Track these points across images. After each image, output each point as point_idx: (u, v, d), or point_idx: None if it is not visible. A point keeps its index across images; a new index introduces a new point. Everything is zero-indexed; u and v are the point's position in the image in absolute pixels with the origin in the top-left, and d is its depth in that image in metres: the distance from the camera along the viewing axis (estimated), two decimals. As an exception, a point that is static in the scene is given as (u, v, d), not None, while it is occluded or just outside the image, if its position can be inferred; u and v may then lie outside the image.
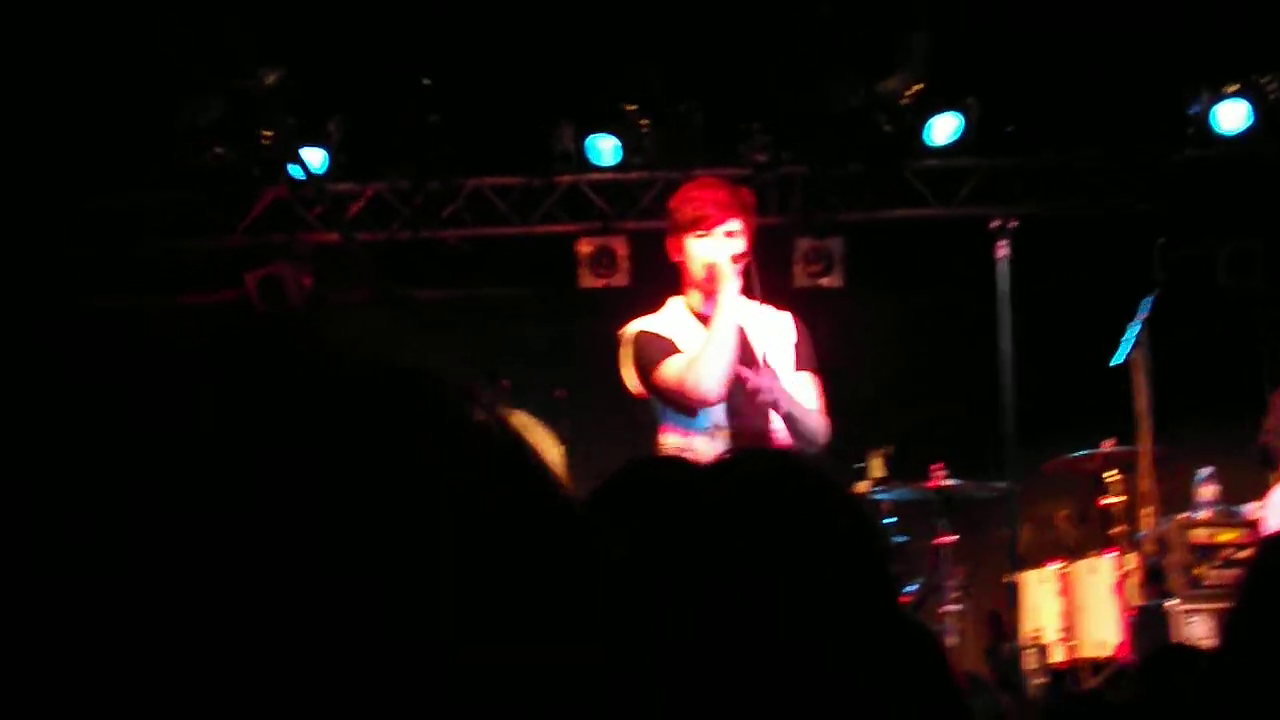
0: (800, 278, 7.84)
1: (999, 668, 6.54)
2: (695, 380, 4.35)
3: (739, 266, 4.45)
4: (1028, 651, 6.57)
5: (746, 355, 4.54)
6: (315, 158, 7.75)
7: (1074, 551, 7.04)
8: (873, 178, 7.95)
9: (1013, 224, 4.94)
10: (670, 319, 4.58)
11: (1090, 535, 7.07)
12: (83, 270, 7.84)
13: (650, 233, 7.36)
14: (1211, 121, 7.57)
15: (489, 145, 7.94)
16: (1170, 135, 7.74)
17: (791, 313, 4.73)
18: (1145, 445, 5.84)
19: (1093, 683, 6.25)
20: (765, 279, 4.64)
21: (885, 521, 6.66)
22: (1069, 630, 6.67)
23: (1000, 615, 6.86)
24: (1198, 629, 5.74)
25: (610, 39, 7.39)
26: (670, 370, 4.41)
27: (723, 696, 0.93)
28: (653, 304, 4.68)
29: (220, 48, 7.14)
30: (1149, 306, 5.84)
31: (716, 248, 4.45)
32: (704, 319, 4.48)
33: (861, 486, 6.76)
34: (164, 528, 0.49)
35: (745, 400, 4.46)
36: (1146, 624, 5.90)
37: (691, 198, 4.54)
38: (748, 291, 4.57)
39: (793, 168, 7.92)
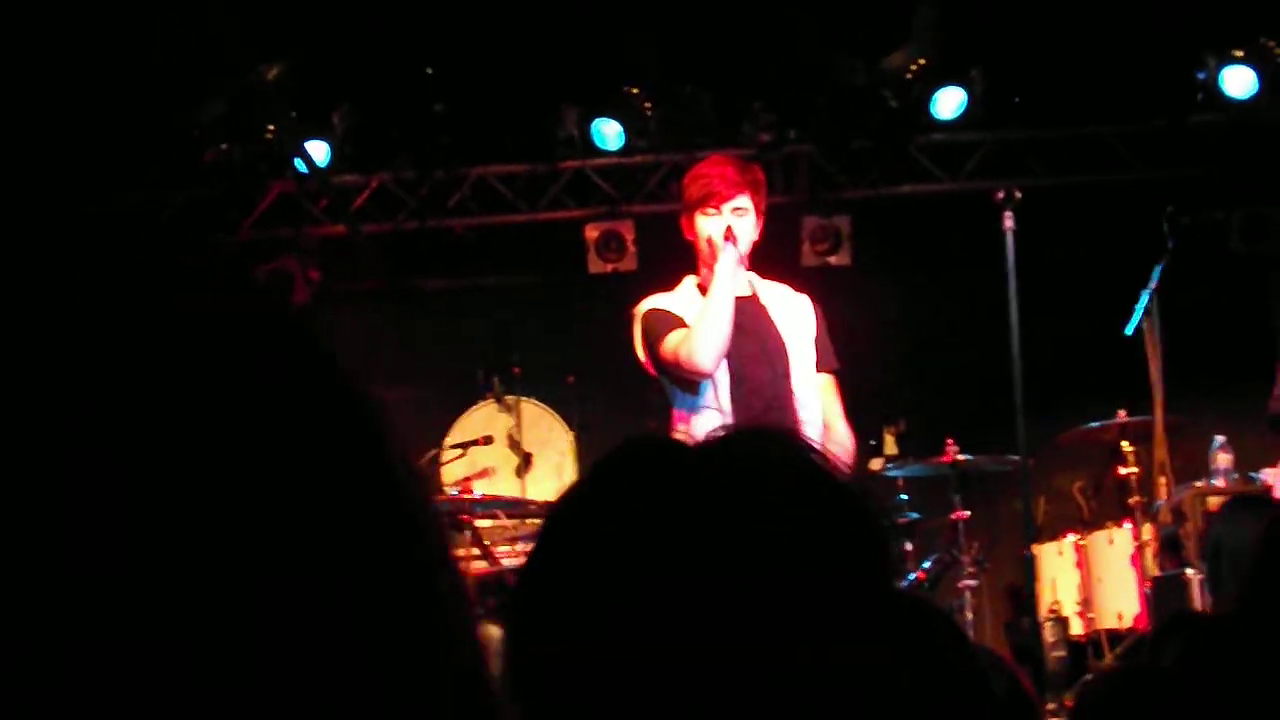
0: (808, 257, 7.82)
1: (1018, 642, 6.52)
2: (689, 351, 4.35)
3: (747, 243, 4.44)
4: (1047, 625, 6.56)
5: (768, 334, 4.51)
6: (319, 151, 7.74)
7: (1090, 523, 7.02)
8: (879, 154, 7.91)
9: (1018, 196, 4.91)
10: (681, 297, 4.58)
11: (1106, 506, 7.05)
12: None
13: (657, 216, 7.35)
14: (1220, 86, 7.51)
15: (493, 133, 7.92)
16: (1178, 102, 7.69)
17: (809, 296, 4.71)
18: (1159, 415, 5.81)
19: (1111, 655, 6.23)
20: (773, 258, 4.63)
21: (900, 498, 6.65)
22: (1087, 602, 6.66)
23: (1019, 589, 6.84)
24: (1216, 597, 5.72)
25: (611, 21, 7.36)
26: (671, 343, 4.42)
27: (708, 688, 0.92)
28: (661, 287, 4.68)
29: (221, 44, 7.13)
30: (1159, 275, 5.82)
31: (724, 224, 4.44)
32: (713, 295, 4.46)
33: (875, 464, 6.75)
34: None
35: (756, 387, 4.44)
36: (1165, 594, 5.88)
37: (701, 175, 4.54)
38: (755, 269, 4.56)
39: (798, 146, 7.89)
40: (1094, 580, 6.65)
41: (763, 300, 4.60)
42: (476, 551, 6.02)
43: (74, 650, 0.50)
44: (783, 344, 4.51)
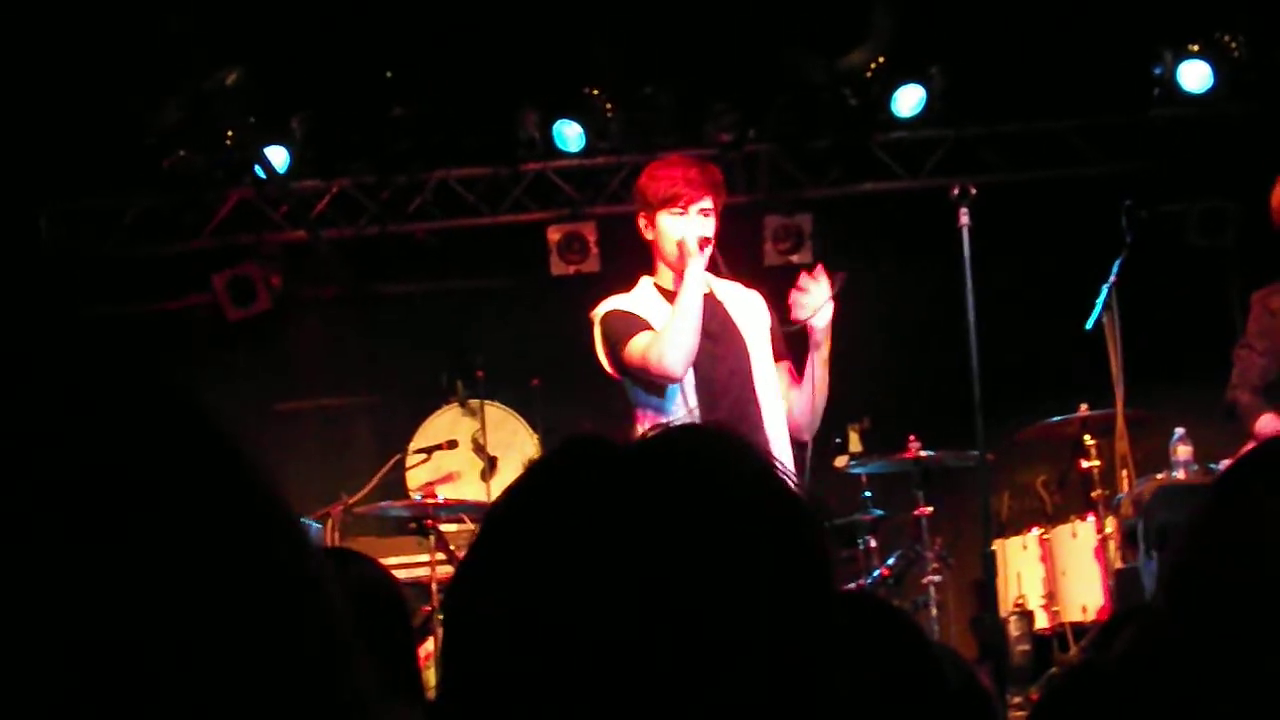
0: (771, 256, 7.82)
1: (984, 637, 6.55)
2: (659, 355, 4.34)
3: (709, 246, 4.45)
4: (1012, 619, 6.59)
5: (727, 333, 4.52)
6: (279, 156, 7.71)
7: (1054, 517, 7.06)
8: (840, 152, 7.93)
9: (973, 192, 4.91)
10: (640, 298, 4.56)
11: (1070, 500, 7.09)
12: (46, 279, 7.78)
13: (619, 217, 7.33)
14: (1177, 81, 7.56)
15: (454, 136, 7.89)
16: (1136, 97, 7.74)
17: (760, 292, 4.72)
18: (1120, 408, 5.85)
19: (1076, 648, 6.26)
20: (735, 258, 4.63)
21: (864, 495, 6.67)
22: (1052, 595, 6.69)
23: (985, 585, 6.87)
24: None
25: (570, 23, 7.36)
26: (637, 346, 4.40)
27: (652, 695, 0.92)
28: (624, 288, 4.66)
29: (179, 49, 7.09)
30: (1118, 269, 5.85)
31: (691, 225, 4.44)
32: (674, 297, 4.46)
33: (840, 461, 6.77)
34: None
35: (721, 387, 4.45)
36: (1128, 586, 5.91)
37: (663, 175, 4.52)
38: (714, 269, 4.55)
39: (759, 145, 7.90)
40: (1058, 573, 6.69)
41: (719, 298, 4.60)
42: (442, 557, 6.00)
43: None
44: (743, 341, 4.52)
